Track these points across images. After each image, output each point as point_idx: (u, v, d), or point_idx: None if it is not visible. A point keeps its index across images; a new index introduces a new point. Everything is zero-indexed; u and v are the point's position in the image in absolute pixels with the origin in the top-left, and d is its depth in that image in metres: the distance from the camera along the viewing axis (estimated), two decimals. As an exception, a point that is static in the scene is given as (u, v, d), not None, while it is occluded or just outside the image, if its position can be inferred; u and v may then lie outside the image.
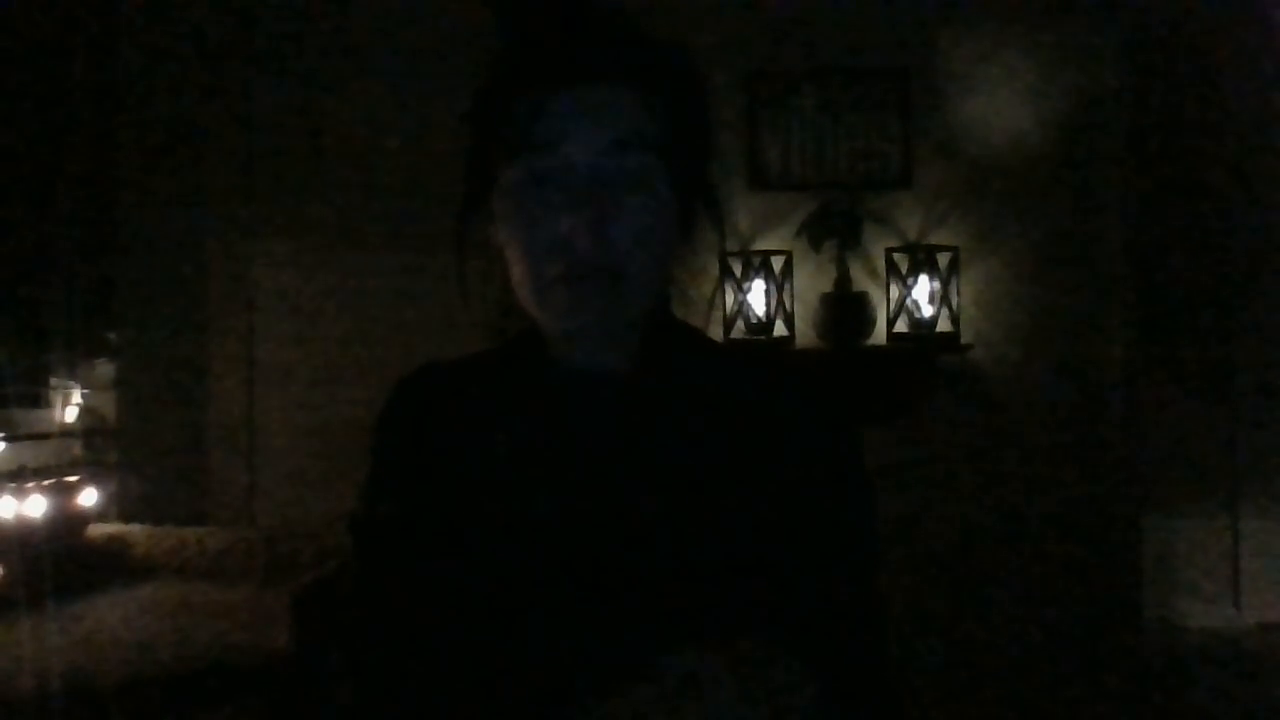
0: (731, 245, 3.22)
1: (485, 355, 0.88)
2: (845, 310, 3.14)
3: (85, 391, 3.63)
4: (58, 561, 2.73)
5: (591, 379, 0.79)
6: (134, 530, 3.01)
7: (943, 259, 3.13)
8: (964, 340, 3.16)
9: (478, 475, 0.79)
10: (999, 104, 3.29)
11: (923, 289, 3.12)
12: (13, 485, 2.89)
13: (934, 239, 3.24)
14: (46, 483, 3.00)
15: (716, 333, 3.13)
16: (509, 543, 0.76)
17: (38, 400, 3.56)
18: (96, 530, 3.00)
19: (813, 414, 0.81)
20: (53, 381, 3.60)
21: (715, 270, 3.17)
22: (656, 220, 0.74)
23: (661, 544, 0.74)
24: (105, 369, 3.58)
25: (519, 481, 0.78)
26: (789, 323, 3.15)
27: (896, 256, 3.16)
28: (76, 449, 3.53)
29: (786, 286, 3.15)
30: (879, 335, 3.17)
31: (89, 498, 3.08)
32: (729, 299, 3.16)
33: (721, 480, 0.76)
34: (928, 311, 3.12)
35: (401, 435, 0.84)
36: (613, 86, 0.73)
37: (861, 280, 3.22)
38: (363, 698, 0.81)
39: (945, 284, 3.12)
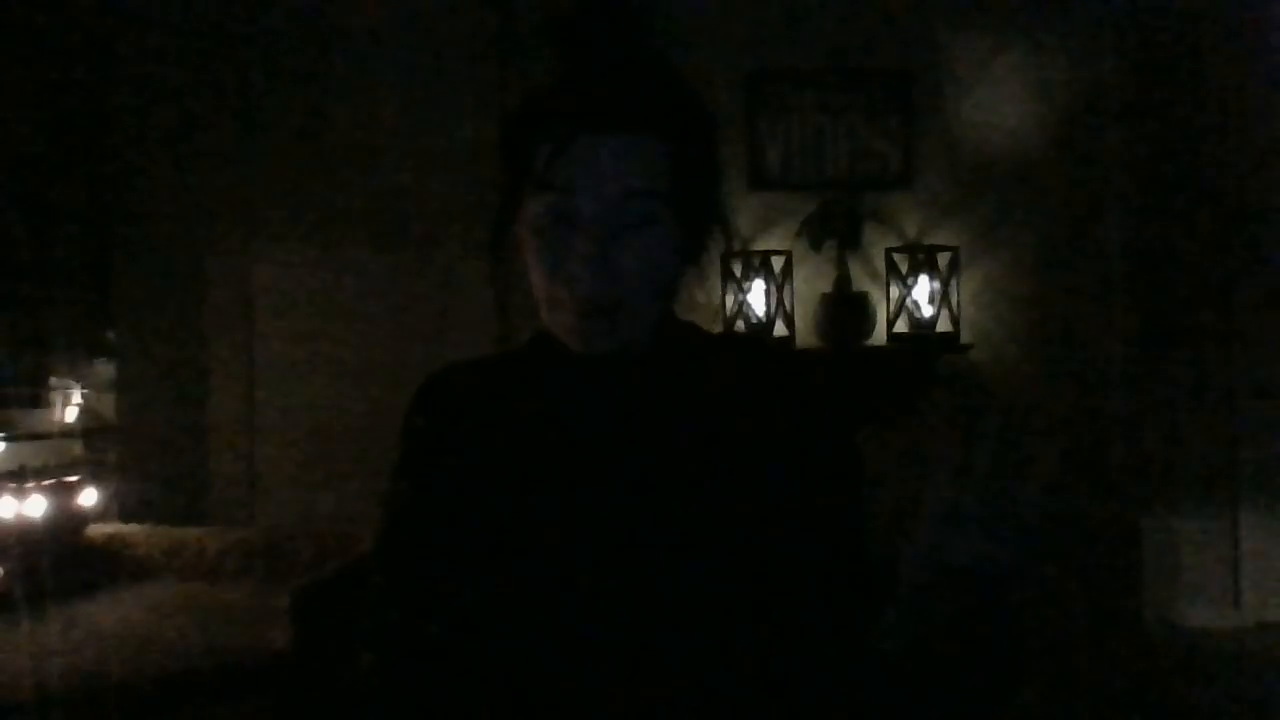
0: (731, 245, 3.22)
1: (506, 355, 0.95)
2: (845, 310, 3.14)
3: (85, 391, 3.63)
4: (58, 561, 2.73)
5: (604, 368, 0.86)
6: (134, 530, 3.00)
7: (943, 259, 3.13)
8: (964, 340, 3.16)
9: (499, 461, 0.86)
10: (999, 104, 3.29)
11: (923, 289, 3.12)
12: (13, 485, 2.89)
13: (934, 239, 3.24)
14: (46, 483, 3.00)
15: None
16: (529, 524, 0.83)
17: (38, 400, 3.56)
18: (96, 530, 3.00)
19: (806, 391, 0.88)
20: (53, 381, 3.60)
21: (715, 273, 3.17)
22: (660, 256, 0.81)
23: (669, 522, 0.81)
24: (105, 369, 3.58)
25: (536, 465, 0.85)
26: (789, 323, 3.15)
27: (896, 256, 3.16)
28: (76, 449, 3.53)
29: (786, 286, 3.15)
30: (879, 335, 3.17)
31: (89, 498, 3.07)
32: (729, 299, 3.16)
33: (725, 459, 0.84)
34: (928, 311, 3.12)
35: (433, 421, 0.90)
36: (627, 135, 0.78)
37: (861, 280, 3.22)
38: (383, 672, 0.85)
39: (945, 284, 3.12)
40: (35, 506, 2.86)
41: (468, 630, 0.82)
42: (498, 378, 0.92)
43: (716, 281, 3.17)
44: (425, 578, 0.86)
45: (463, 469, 0.87)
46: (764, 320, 3.12)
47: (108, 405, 3.52)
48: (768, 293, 3.13)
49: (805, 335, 3.19)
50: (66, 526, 2.93)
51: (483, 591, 0.82)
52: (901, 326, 3.15)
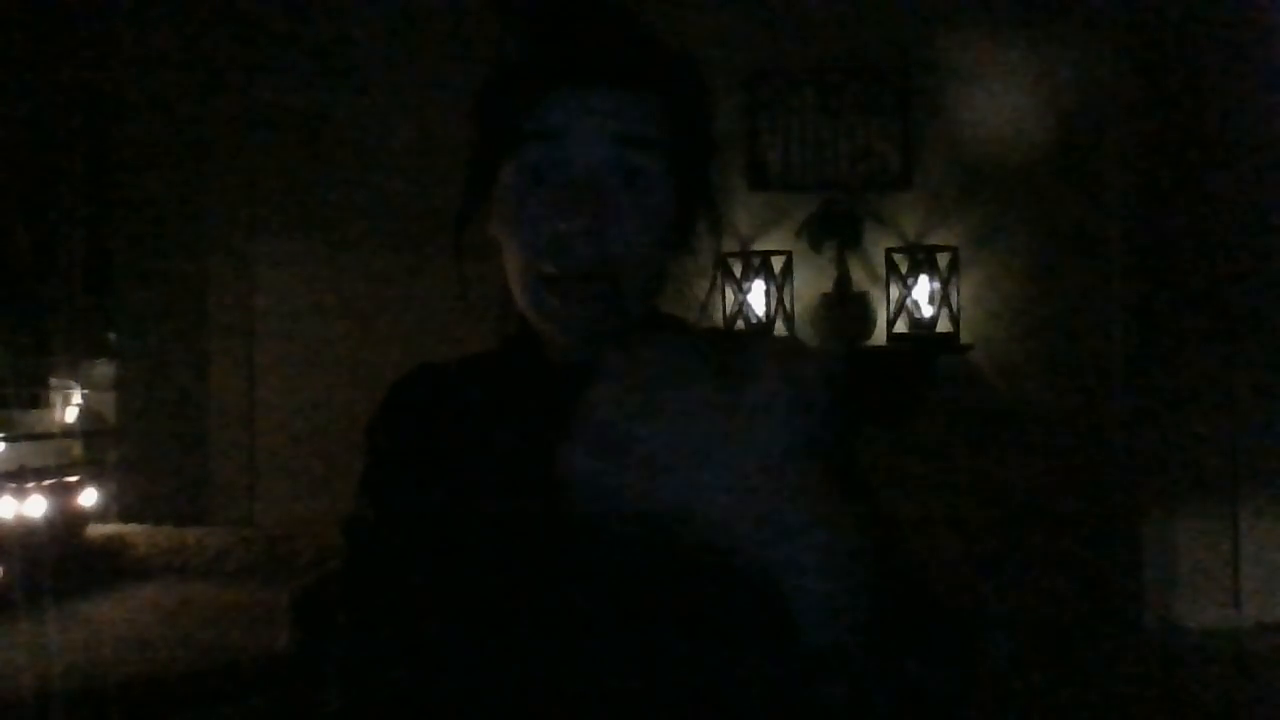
0: (731, 245, 3.22)
1: (480, 357, 0.87)
2: (845, 310, 3.14)
3: (85, 391, 3.63)
4: (58, 561, 2.73)
5: (585, 375, 0.79)
6: (134, 530, 3.01)
7: (943, 259, 3.13)
8: (964, 340, 3.16)
9: (471, 474, 0.78)
10: (999, 104, 3.29)
11: (923, 289, 3.12)
12: (13, 485, 2.89)
13: (934, 239, 3.24)
14: (46, 483, 3.00)
15: (716, 333, 3.13)
16: (500, 541, 0.75)
17: (38, 400, 3.56)
18: (96, 530, 3.00)
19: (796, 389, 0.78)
20: (53, 381, 3.60)
21: (714, 271, 3.16)
22: (654, 221, 0.73)
23: (655, 536, 0.72)
24: (105, 369, 3.58)
25: (512, 479, 0.76)
26: (789, 323, 3.15)
27: (896, 256, 3.16)
28: (76, 449, 3.53)
29: (786, 286, 3.15)
30: (879, 335, 3.17)
31: (89, 498, 3.07)
32: (729, 299, 3.16)
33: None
34: (928, 311, 3.12)
35: (394, 437, 0.83)
36: (617, 88, 0.71)
37: (861, 280, 3.22)
38: (353, 699, 0.79)
39: (945, 284, 3.12)
40: (35, 506, 2.86)
41: (442, 645, 0.75)
42: (471, 381, 0.83)
43: (716, 280, 3.17)
44: (391, 616, 0.77)
45: (432, 480, 0.79)
46: (764, 320, 3.12)
47: (108, 405, 3.52)
48: (768, 293, 3.13)
49: (805, 335, 3.19)
50: (66, 526, 2.93)
51: (456, 605, 0.74)
52: (901, 326, 3.15)
